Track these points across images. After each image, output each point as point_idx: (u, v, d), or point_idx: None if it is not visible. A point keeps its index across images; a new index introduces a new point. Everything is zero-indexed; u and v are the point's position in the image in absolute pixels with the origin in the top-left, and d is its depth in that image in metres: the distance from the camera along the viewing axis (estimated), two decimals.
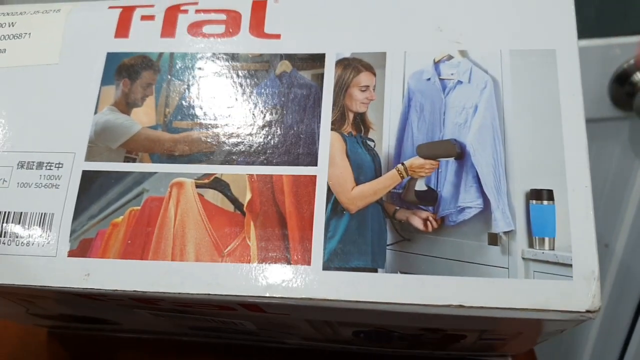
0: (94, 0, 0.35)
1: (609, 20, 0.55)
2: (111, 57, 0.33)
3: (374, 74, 0.31)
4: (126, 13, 0.34)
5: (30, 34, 0.34)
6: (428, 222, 0.27)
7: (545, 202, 0.27)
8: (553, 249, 0.26)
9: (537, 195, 0.27)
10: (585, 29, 1.20)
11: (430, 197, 0.28)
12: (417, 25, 0.31)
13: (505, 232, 0.27)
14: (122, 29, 0.33)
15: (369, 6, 0.32)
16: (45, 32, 0.34)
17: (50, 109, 0.32)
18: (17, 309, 0.39)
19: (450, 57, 0.30)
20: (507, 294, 0.26)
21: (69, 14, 0.34)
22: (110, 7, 0.34)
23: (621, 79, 0.58)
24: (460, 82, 0.30)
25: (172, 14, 0.33)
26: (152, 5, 0.34)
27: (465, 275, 0.26)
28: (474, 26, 0.31)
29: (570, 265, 0.26)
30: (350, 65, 0.31)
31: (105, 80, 0.32)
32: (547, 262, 0.26)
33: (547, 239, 0.26)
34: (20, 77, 0.33)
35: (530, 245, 0.26)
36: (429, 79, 0.30)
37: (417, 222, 0.27)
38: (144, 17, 0.33)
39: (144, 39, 0.33)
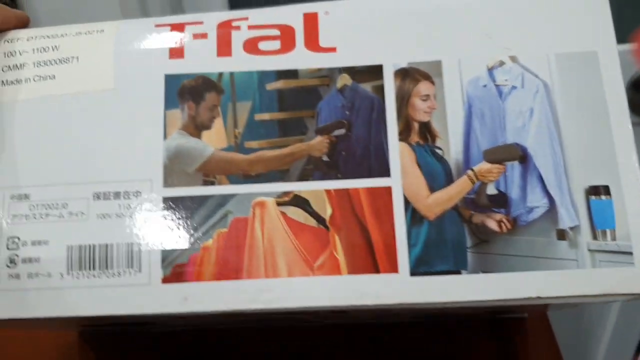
0: (135, 18, 0.35)
1: (625, 27, 0.58)
2: (170, 80, 0.33)
3: (433, 83, 0.32)
4: (176, 30, 0.34)
5: (77, 57, 0.33)
6: (502, 224, 0.30)
7: (603, 197, 0.30)
8: (615, 240, 0.29)
9: (596, 191, 0.30)
10: None
11: (501, 200, 0.30)
12: (467, 32, 0.33)
13: (571, 228, 0.30)
14: (176, 49, 0.33)
15: (419, 15, 0.33)
16: (94, 56, 0.33)
17: (115, 136, 0.32)
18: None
19: (502, 63, 0.32)
20: (579, 283, 0.29)
21: (115, 35, 0.34)
22: (157, 25, 0.34)
23: (637, 85, 0.61)
24: (514, 87, 0.32)
25: (224, 31, 0.33)
26: (201, 22, 0.34)
27: (539, 270, 0.29)
28: (520, 32, 0.33)
29: (631, 253, 0.29)
30: (409, 75, 0.32)
31: (169, 104, 0.33)
32: (610, 251, 0.29)
33: (608, 231, 0.30)
34: (76, 105, 0.33)
35: (594, 237, 0.30)
36: (485, 86, 0.32)
37: (493, 224, 0.30)
38: (196, 36, 0.33)
39: (200, 59, 0.33)
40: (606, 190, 0.30)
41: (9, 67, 0.33)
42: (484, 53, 0.33)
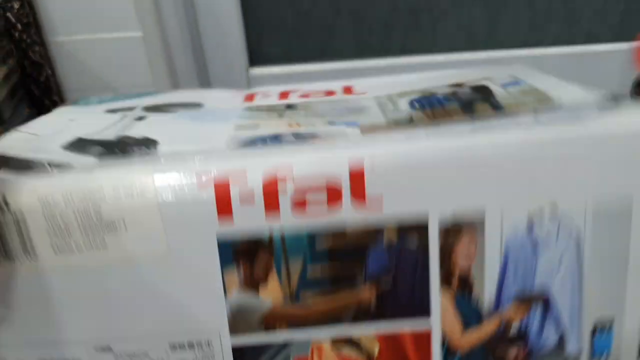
0: (174, 172, 0.33)
1: (632, 25, 0.50)
2: (222, 241, 0.34)
3: (475, 233, 0.34)
4: (221, 192, 0.33)
5: (124, 222, 0.33)
6: (519, 355, 0.36)
7: (606, 331, 0.36)
8: None
9: (602, 325, 0.36)
10: (610, 34, 0.93)
11: (522, 337, 0.36)
12: (511, 182, 0.33)
13: (574, 355, 0.36)
14: (224, 210, 0.33)
15: (465, 163, 0.33)
16: (142, 222, 0.33)
17: (180, 293, 0.35)
18: None
19: (541, 213, 0.34)
20: None
21: (157, 198, 0.33)
22: (200, 186, 0.33)
23: None
24: (549, 239, 0.34)
25: (270, 191, 0.33)
26: (244, 176, 0.33)
27: None
28: (561, 179, 0.33)
29: None
30: (453, 229, 0.34)
31: (224, 265, 0.34)
32: None
33: (604, 355, 0.36)
34: (136, 268, 0.34)
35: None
36: (522, 236, 0.34)
37: (511, 356, 0.36)
38: (242, 198, 0.33)
39: (249, 220, 0.33)
40: (610, 324, 0.36)
41: (55, 232, 0.33)
42: (525, 201, 0.34)
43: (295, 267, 0.35)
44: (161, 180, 0.33)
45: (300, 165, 0.33)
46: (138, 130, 0.43)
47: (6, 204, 0.33)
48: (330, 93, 0.55)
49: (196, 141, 0.40)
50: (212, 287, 0.35)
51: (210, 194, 0.33)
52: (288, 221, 0.34)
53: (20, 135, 0.42)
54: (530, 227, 0.34)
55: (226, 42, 0.96)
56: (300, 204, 0.33)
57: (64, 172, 0.34)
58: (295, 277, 0.35)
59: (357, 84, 0.56)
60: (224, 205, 0.33)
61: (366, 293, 0.36)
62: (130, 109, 0.51)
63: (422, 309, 0.36)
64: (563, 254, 0.35)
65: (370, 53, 1.00)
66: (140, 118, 0.48)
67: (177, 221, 0.33)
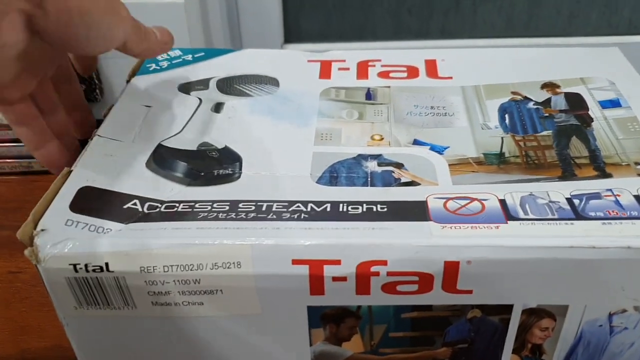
0: (271, 243, 0.34)
1: None
2: (312, 309, 0.35)
3: (555, 320, 0.35)
4: (315, 273, 0.34)
5: (221, 290, 0.35)
6: None
7: None
8: None
9: None
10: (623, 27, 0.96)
11: None
12: (601, 284, 0.34)
13: None
14: (316, 288, 0.34)
15: (558, 268, 0.33)
16: (238, 289, 0.34)
17: (269, 348, 0.38)
18: None
19: (624, 311, 0.35)
20: None
21: (256, 275, 0.34)
22: (294, 262, 0.33)
23: None
24: (626, 328, 0.35)
25: (363, 275, 0.34)
26: (338, 262, 0.33)
27: None
28: None
29: None
30: (535, 313, 0.35)
31: (312, 325, 0.36)
32: None
33: None
34: (229, 322, 0.36)
35: None
36: (600, 326, 0.35)
37: None
38: (335, 278, 0.34)
39: (339, 296, 0.35)
40: None
41: (155, 292, 0.35)
42: (612, 302, 0.34)
43: (379, 331, 0.37)
44: (259, 254, 0.34)
45: (395, 253, 0.33)
46: (218, 134, 0.43)
47: (108, 269, 0.34)
48: (412, 71, 0.51)
49: (280, 163, 0.40)
50: (299, 342, 0.37)
51: (304, 273, 0.34)
52: (378, 299, 0.35)
53: (101, 146, 0.42)
54: (610, 321, 0.35)
55: (263, 16, 0.92)
56: (391, 286, 0.34)
57: (160, 227, 0.35)
58: (377, 337, 0.37)
59: (441, 57, 0.53)
60: (317, 283, 0.34)
61: (442, 353, 0.38)
62: (204, 85, 0.49)
63: None
64: (635, 340, 0.36)
65: (408, 35, 0.98)
66: (218, 107, 0.47)
67: (271, 289, 0.35)
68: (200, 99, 0.48)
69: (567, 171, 0.39)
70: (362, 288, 0.34)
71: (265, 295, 0.35)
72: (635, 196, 0.35)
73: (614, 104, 0.44)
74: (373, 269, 0.34)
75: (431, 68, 0.51)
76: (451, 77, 0.50)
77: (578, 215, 0.34)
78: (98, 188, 0.38)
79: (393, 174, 0.40)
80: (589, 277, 0.33)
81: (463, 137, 0.43)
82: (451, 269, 0.33)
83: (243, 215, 0.36)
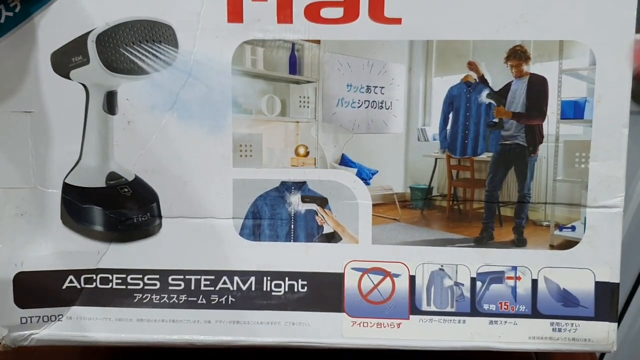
0: None
1: None
2: None
3: None
4: None
5: None
6: None
7: None
8: None
9: None
10: None
11: None
12: None
13: None
14: None
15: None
16: None
17: None
18: None
19: None
20: None
21: None
22: None
23: None
24: None
25: None
26: None
27: None
28: None
29: None
30: None
31: None
32: None
33: None
34: None
35: None
36: None
37: None
38: None
39: None
40: None
41: None
42: None
43: None
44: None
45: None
46: (123, 155, 0.40)
47: None
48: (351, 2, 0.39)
49: (200, 200, 0.40)
50: None
51: None
52: None
53: (4, 201, 0.38)
54: None
55: None
56: None
57: None
58: None
59: None
60: None
61: None
62: (82, 54, 0.39)
63: None
64: None
65: None
66: (111, 101, 0.39)
67: None
68: (85, 88, 0.38)
69: (486, 231, 0.39)
70: None
71: None
72: (533, 280, 0.38)
73: (577, 110, 0.37)
74: None
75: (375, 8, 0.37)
76: (400, 20, 0.38)
77: (473, 308, 0.39)
78: (30, 272, 0.39)
79: (316, 216, 0.39)
80: None
81: (394, 155, 0.39)
82: None
83: (175, 298, 0.40)
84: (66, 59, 0.38)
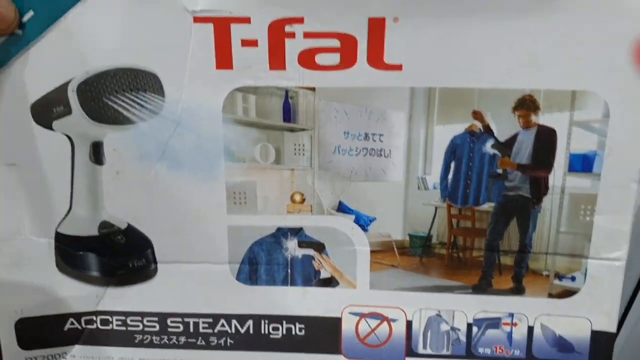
0: None
1: None
2: None
3: None
4: None
5: None
6: None
7: None
8: None
9: None
10: None
11: None
12: None
13: None
14: None
15: None
16: None
17: None
18: None
19: None
20: None
21: None
22: None
23: None
24: None
25: None
26: None
27: None
28: None
29: None
30: None
31: None
32: None
33: None
34: None
35: None
36: None
37: None
38: None
39: None
40: None
41: None
42: None
43: None
44: None
45: None
46: (114, 205, 0.40)
47: None
48: (347, 49, 0.36)
49: (194, 245, 0.40)
50: None
51: None
52: None
53: None
54: None
55: None
56: None
57: None
58: None
59: (393, 14, 0.35)
60: None
61: None
62: (64, 103, 0.37)
63: None
64: None
65: None
66: (97, 152, 0.38)
67: None
68: (70, 139, 0.36)
69: (485, 279, 0.38)
70: None
71: None
72: (529, 327, 0.38)
73: (586, 164, 0.35)
74: None
75: (375, 42, 0.34)
76: (400, 66, 0.35)
77: (468, 352, 0.39)
78: (31, 317, 0.39)
79: (313, 261, 0.39)
80: None
81: (393, 203, 0.38)
82: None
83: (174, 339, 0.40)
84: (47, 110, 0.36)
